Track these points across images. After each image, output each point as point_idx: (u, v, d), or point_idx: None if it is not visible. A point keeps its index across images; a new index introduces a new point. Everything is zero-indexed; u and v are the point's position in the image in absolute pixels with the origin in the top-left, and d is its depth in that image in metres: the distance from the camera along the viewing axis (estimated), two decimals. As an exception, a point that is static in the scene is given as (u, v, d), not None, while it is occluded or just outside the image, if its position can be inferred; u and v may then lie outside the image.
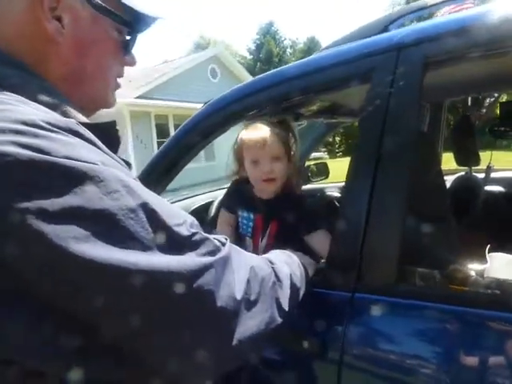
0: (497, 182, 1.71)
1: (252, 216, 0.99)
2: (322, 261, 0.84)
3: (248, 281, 0.42)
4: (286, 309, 0.49)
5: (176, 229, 0.36)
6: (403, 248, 0.65)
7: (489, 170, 1.59)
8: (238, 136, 1.00)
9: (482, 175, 1.63)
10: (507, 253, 1.13)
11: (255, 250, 0.99)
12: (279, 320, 0.47)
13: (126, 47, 0.51)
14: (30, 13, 0.41)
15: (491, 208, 1.54)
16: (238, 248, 0.46)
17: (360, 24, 0.86)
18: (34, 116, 0.32)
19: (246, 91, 0.92)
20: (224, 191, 1.63)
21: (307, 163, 2.25)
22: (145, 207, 0.34)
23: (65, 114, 0.37)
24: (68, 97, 0.42)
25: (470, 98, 1.54)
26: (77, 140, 0.34)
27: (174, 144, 1.03)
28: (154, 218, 0.34)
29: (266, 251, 0.96)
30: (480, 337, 0.57)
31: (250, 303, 0.41)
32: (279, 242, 0.95)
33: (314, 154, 5.55)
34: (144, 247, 0.32)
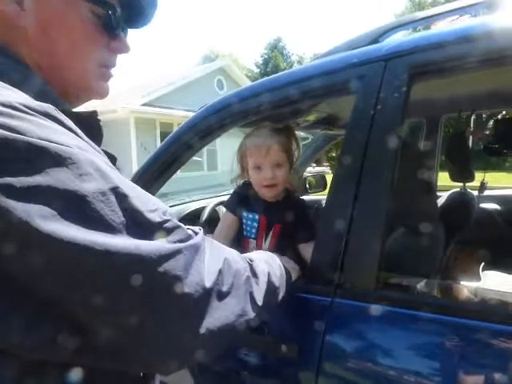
0: (491, 199, 1.71)
1: (257, 217, 1.01)
2: None
3: (220, 271, 0.42)
4: (260, 304, 0.49)
5: (148, 214, 0.36)
6: (383, 256, 0.66)
7: (483, 187, 1.59)
8: (242, 141, 1.03)
9: (476, 192, 1.63)
10: (500, 271, 1.13)
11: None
12: (252, 314, 0.46)
13: (110, 31, 0.47)
14: None
15: (485, 225, 1.54)
16: (212, 240, 0.46)
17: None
18: (11, 98, 0.33)
19: (236, 98, 0.94)
20: (216, 199, 1.64)
21: (305, 175, 2.26)
22: (116, 191, 0.34)
23: (44, 100, 0.37)
24: (49, 83, 0.43)
25: (462, 114, 1.56)
26: (53, 124, 0.34)
27: (171, 143, 1.04)
28: (125, 202, 0.35)
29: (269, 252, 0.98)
30: (458, 344, 0.56)
31: (221, 294, 0.41)
32: (281, 244, 0.97)
33: (317, 169, 5.55)
34: (112, 229, 0.33)
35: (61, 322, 0.32)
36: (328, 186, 2.19)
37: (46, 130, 0.33)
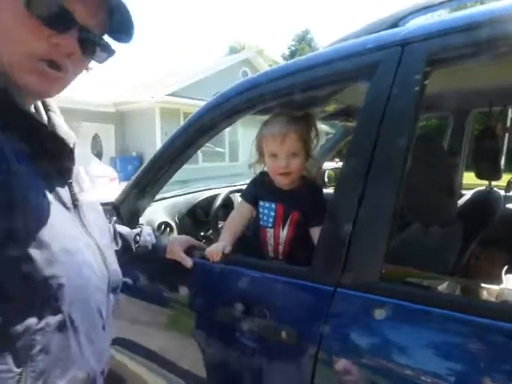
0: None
1: (273, 205, 1.01)
2: None
3: None
4: None
5: None
6: (391, 249, 0.64)
7: (510, 186, 1.51)
8: (260, 127, 1.03)
9: (502, 192, 1.55)
10: (524, 274, 1.07)
11: (276, 240, 1.01)
12: None
13: (48, 24, 0.45)
14: None
15: (511, 226, 1.46)
16: None
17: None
18: None
19: (251, 84, 0.93)
20: (232, 188, 1.65)
21: (325, 168, 2.23)
22: None
23: None
24: None
25: (493, 107, 1.47)
26: None
27: (188, 128, 1.04)
28: None
29: (287, 240, 0.99)
30: (462, 339, 0.54)
31: None
32: (300, 232, 0.96)
33: (340, 164, 5.43)
34: None
35: None
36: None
37: None
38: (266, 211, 1.03)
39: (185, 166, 1.12)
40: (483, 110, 1.68)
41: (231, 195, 1.59)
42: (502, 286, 0.98)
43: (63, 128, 0.57)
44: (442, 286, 0.65)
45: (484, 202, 1.46)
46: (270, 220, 1.02)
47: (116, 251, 0.89)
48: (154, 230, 1.01)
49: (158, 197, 1.45)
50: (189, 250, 0.96)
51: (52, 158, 0.53)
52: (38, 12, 0.44)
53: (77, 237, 0.54)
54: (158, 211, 1.46)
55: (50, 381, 0.46)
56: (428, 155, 1.00)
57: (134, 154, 9.23)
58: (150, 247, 0.95)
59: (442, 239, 0.86)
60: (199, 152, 9.76)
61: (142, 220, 1.19)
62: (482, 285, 0.86)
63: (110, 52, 0.54)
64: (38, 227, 0.45)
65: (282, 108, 0.99)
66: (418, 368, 0.56)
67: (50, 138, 0.52)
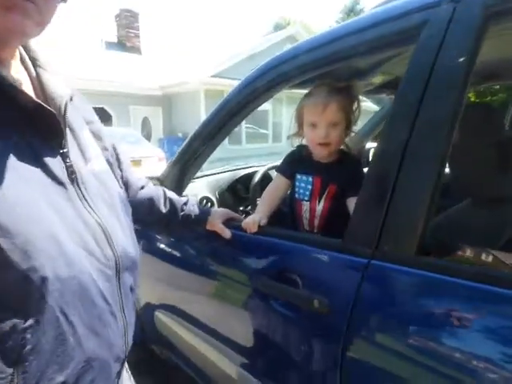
0: None
1: (311, 178, 1.01)
2: None
3: None
4: None
5: None
6: (428, 221, 0.61)
7: None
8: (302, 98, 1.02)
9: None
10: None
11: (312, 213, 1.01)
12: None
13: None
14: None
15: None
16: None
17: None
18: None
19: (296, 52, 0.91)
20: (268, 165, 1.65)
21: (370, 146, 2.14)
22: None
23: None
24: None
25: None
26: None
27: (226, 105, 1.06)
28: None
29: (322, 214, 0.99)
30: (496, 314, 0.51)
31: None
32: (336, 205, 0.96)
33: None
34: None
35: None
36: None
37: None
38: (302, 184, 1.03)
39: (228, 147, 1.14)
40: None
41: (270, 171, 1.60)
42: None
43: (52, 84, 0.50)
44: (486, 261, 0.61)
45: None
46: (307, 193, 1.01)
47: (160, 215, 0.94)
48: (196, 203, 1.06)
49: (199, 174, 1.51)
50: (227, 222, 1.00)
51: (34, 124, 0.45)
52: None
53: (69, 218, 0.46)
54: (200, 187, 1.52)
55: (46, 377, 0.43)
56: (485, 126, 0.92)
57: (180, 134, 9.55)
58: (193, 216, 1.00)
59: (494, 216, 0.79)
60: (243, 133, 9.82)
61: (184, 194, 1.25)
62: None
63: None
64: (5, 212, 0.38)
65: (323, 79, 0.96)
66: (454, 347, 0.54)
67: (21, 96, 0.43)
